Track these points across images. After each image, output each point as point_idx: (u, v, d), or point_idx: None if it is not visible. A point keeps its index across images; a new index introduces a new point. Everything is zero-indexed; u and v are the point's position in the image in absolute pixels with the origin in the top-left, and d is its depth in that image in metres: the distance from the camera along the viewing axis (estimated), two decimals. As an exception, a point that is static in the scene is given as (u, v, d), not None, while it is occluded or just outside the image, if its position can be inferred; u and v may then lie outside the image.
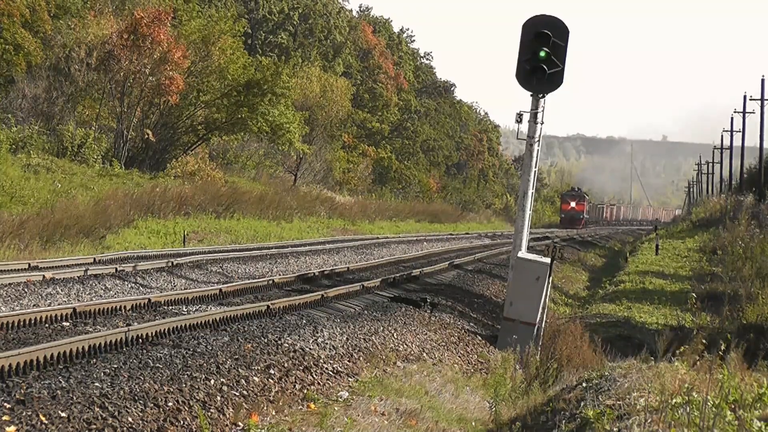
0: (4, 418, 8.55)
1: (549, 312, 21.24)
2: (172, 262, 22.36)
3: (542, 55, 19.88)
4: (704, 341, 11.69)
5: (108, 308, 15.23)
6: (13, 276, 17.71)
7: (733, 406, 8.74)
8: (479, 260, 33.93)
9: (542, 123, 20.60)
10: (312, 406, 11.39)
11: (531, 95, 20.50)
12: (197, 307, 16.58)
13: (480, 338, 19.30)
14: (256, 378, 11.70)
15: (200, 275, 22.22)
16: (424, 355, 16.22)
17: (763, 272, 27.89)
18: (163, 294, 17.43)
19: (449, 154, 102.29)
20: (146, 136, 46.88)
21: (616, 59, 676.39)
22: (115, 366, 10.88)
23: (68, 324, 13.92)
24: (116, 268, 20.17)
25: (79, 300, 16.76)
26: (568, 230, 77.86)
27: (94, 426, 8.95)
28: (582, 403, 10.77)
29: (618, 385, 11.03)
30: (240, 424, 10.23)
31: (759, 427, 8.28)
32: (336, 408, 11.40)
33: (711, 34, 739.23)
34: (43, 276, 18.08)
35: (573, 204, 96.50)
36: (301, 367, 12.75)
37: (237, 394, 11.04)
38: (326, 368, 13.18)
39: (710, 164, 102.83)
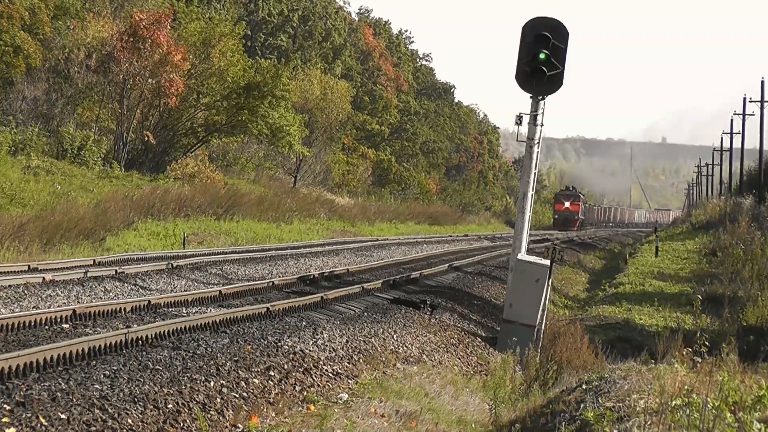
0: (4, 419, 8.55)
1: (549, 314, 21.25)
2: (172, 264, 22.36)
3: (542, 57, 19.88)
4: (706, 343, 11.69)
5: (108, 310, 15.22)
6: (13, 278, 17.70)
7: (732, 408, 8.74)
8: (479, 262, 33.95)
9: (542, 125, 20.60)
10: (312, 407, 11.39)
11: (531, 97, 20.51)
12: (197, 309, 16.57)
13: (480, 340, 19.30)
14: (255, 380, 11.70)
15: (200, 277, 22.22)
16: (424, 356, 16.22)
17: (763, 274, 27.89)
18: (163, 296, 17.42)
19: (449, 156, 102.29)
20: (146, 139, 46.87)
21: (616, 61, 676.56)
22: (115, 368, 10.88)
23: (68, 326, 13.91)
24: (116, 270, 20.17)
25: (78, 302, 16.75)
26: (566, 232, 77.20)
27: (94, 428, 8.95)
28: (582, 405, 10.78)
29: (618, 387, 11.04)
30: (240, 425, 10.23)
31: (759, 428, 8.28)
32: (336, 410, 11.40)
33: (711, 36, 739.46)
34: (43, 278, 18.08)
35: (567, 204, 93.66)
36: (300, 369, 12.75)
37: (237, 396, 11.04)
38: (326, 370, 13.18)
39: (710, 166, 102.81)
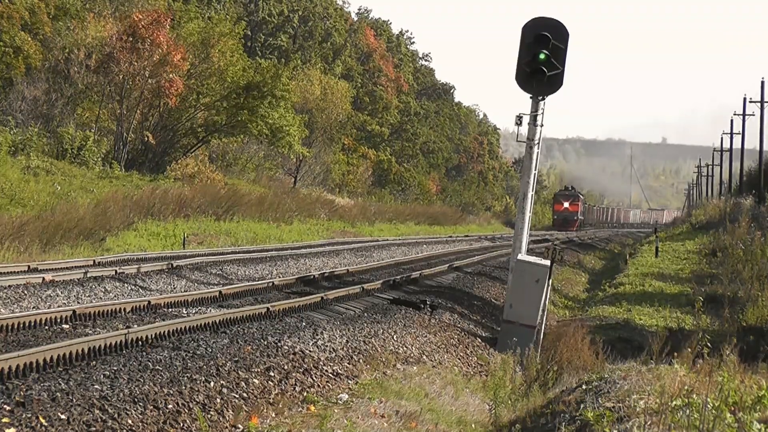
0: (4, 420, 8.55)
1: (549, 314, 21.24)
2: (172, 264, 22.36)
3: (542, 57, 19.88)
4: (708, 344, 11.68)
5: (108, 310, 15.22)
6: (13, 278, 17.71)
7: (732, 409, 8.74)
8: (479, 262, 33.94)
9: (542, 125, 20.61)
10: (312, 408, 11.39)
11: (531, 98, 20.51)
12: (197, 310, 16.58)
13: (480, 340, 19.30)
14: (255, 380, 11.70)
15: (200, 277, 22.22)
16: (424, 357, 16.22)
17: (763, 274, 27.85)
18: (163, 296, 17.42)
19: (449, 157, 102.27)
20: (146, 139, 46.89)
21: (617, 61, 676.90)
22: (115, 368, 10.88)
23: (68, 326, 13.92)
24: (116, 271, 20.17)
25: (78, 302, 16.76)
26: (566, 233, 77.03)
27: (94, 428, 8.95)
28: (582, 406, 10.77)
29: (618, 387, 11.04)
30: (240, 426, 10.24)
31: (758, 429, 8.28)
32: (336, 410, 11.40)
33: (711, 36, 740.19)
34: (43, 278, 18.08)
35: (566, 204, 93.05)
36: (300, 370, 12.75)
37: (237, 396, 11.04)
38: (326, 370, 13.18)
39: (710, 167, 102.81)
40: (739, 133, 75.15)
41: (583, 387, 12.10)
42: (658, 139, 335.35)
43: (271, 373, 12.16)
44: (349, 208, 58.98)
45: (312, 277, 23.15)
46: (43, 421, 8.70)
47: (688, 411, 8.57)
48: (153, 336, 12.96)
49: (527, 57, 20.07)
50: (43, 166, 37.17)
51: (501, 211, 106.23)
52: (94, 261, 22.64)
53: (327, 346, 14.29)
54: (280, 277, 23.51)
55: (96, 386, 10.02)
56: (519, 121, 20.58)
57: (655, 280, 33.74)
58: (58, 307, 15.70)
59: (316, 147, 66.35)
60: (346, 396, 12.25)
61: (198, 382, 10.97)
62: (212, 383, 11.08)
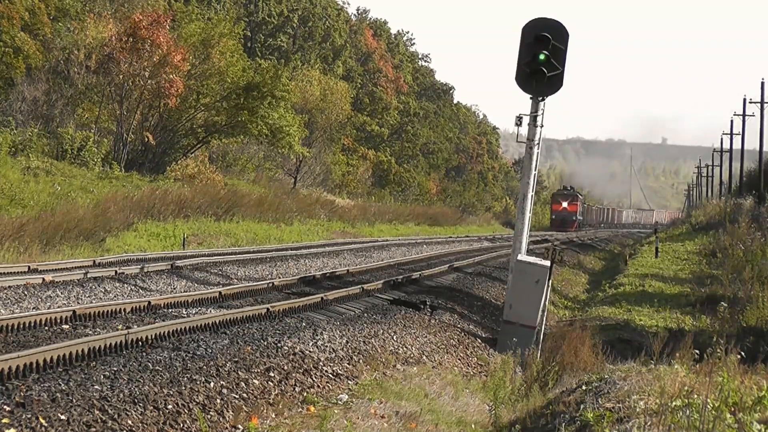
0: (4, 420, 8.55)
1: (549, 315, 21.23)
2: (172, 265, 22.36)
3: (542, 58, 19.89)
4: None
5: (108, 311, 15.22)
6: (13, 279, 17.71)
7: (732, 409, 8.74)
8: (479, 263, 33.94)
9: (542, 126, 20.61)
10: (312, 408, 11.39)
11: (531, 98, 20.51)
12: (197, 310, 16.57)
13: (480, 341, 19.30)
14: (255, 381, 11.70)
15: (200, 278, 22.22)
16: (424, 357, 16.22)
17: (763, 275, 27.85)
18: (163, 297, 17.41)
19: (449, 157, 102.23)
20: (146, 139, 46.88)
21: (617, 62, 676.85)
22: (115, 369, 10.88)
23: (68, 327, 13.91)
24: (116, 271, 20.17)
25: (78, 303, 16.76)
26: (565, 233, 76.77)
27: (94, 429, 8.95)
28: (582, 406, 10.77)
29: (618, 387, 11.03)
30: (240, 426, 10.24)
31: (759, 429, 8.27)
32: (335, 411, 11.40)
33: (712, 37, 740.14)
34: (43, 279, 18.08)
35: (565, 204, 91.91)
36: (300, 370, 12.75)
37: (237, 396, 11.04)
38: (326, 371, 13.18)
39: (710, 167, 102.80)
40: (739, 134, 75.24)
41: (583, 387, 12.10)
42: (658, 140, 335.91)
43: (271, 374, 12.16)
44: (349, 209, 58.97)
45: (312, 277, 23.14)
46: (43, 421, 8.70)
47: (688, 411, 8.56)
48: (153, 336, 12.96)
49: (527, 57, 20.07)
50: (43, 167, 37.16)
51: (501, 212, 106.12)
52: (94, 261, 22.63)
53: (327, 346, 14.29)
54: (280, 277, 23.51)
55: (96, 387, 10.02)
56: (519, 121, 20.59)
57: (655, 281, 33.73)
58: (58, 307, 15.70)
59: (316, 147, 66.34)
60: (346, 396, 12.25)
61: (198, 382, 10.97)
62: (212, 384, 11.08)
